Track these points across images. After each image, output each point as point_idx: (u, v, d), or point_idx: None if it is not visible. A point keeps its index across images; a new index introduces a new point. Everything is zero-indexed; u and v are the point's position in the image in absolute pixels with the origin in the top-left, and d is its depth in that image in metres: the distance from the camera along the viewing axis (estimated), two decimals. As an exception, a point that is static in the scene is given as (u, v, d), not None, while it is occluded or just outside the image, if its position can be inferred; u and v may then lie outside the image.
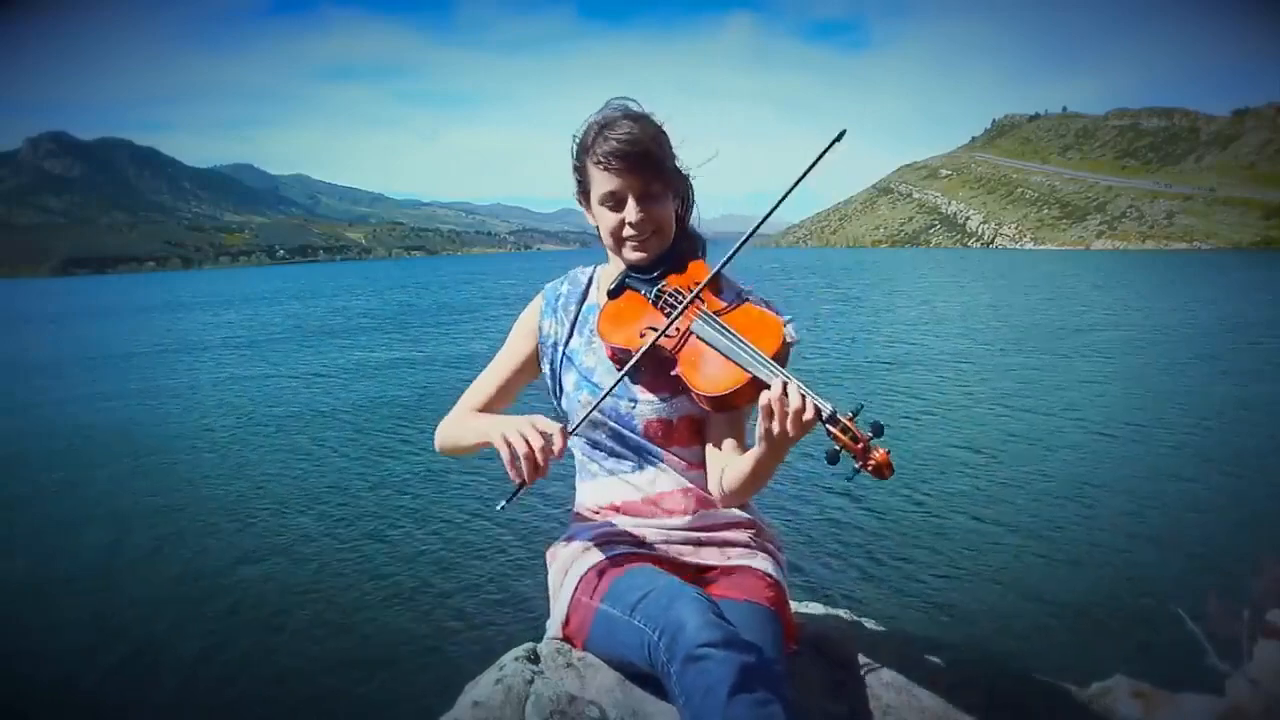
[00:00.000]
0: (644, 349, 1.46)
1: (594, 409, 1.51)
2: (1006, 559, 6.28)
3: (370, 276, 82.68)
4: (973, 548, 6.49)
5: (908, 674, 1.68)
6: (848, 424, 1.26)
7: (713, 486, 1.56)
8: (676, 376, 1.49)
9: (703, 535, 1.59)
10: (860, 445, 1.25)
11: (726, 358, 1.41)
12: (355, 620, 5.59)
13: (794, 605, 1.80)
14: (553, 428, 1.40)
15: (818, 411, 1.28)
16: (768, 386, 1.33)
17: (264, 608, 5.84)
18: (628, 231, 1.54)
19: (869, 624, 1.96)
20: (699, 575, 1.56)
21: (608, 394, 1.50)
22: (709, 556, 1.58)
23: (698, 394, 1.44)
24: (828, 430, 1.28)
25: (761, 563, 1.59)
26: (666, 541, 1.58)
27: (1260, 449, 9.17)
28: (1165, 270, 52.88)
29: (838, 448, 1.27)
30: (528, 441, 1.37)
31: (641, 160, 1.48)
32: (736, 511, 1.63)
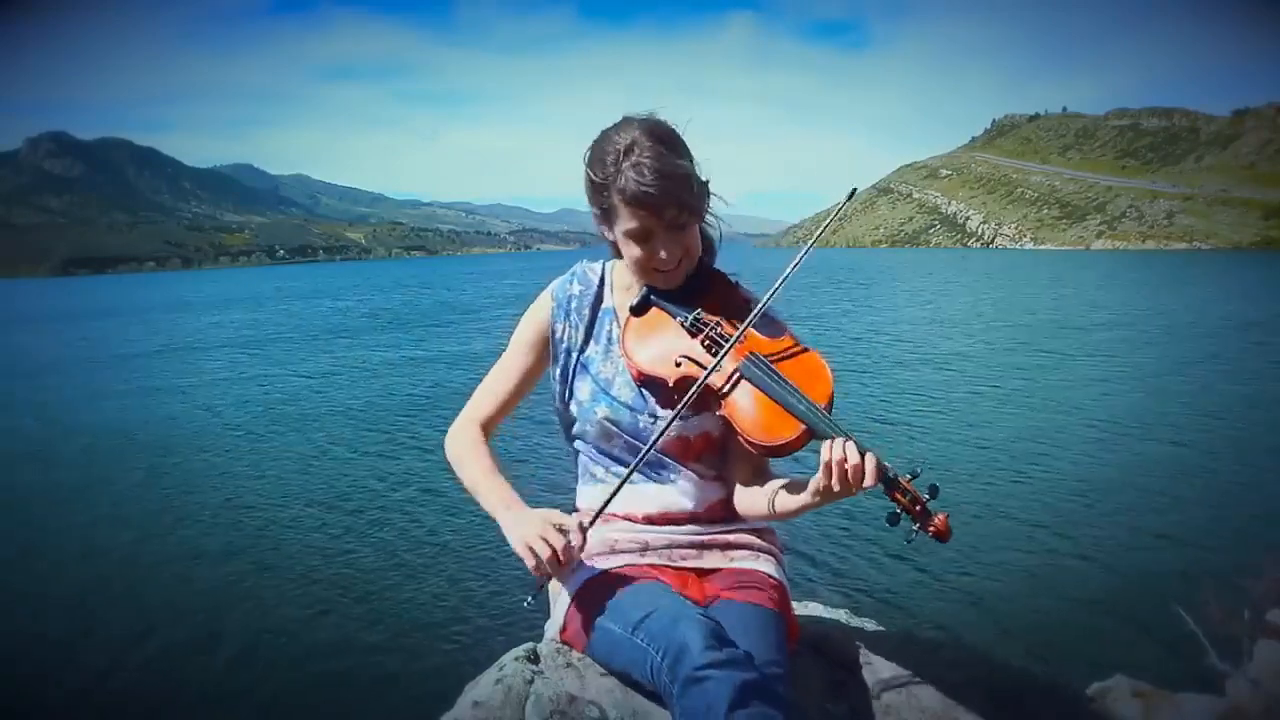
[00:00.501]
0: (694, 391, 1.41)
1: (639, 462, 1.44)
2: (1006, 559, 6.28)
3: (372, 276, 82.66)
4: (973, 548, 6.48)
5: (908, 674, 1.68)
6: (907, 487, 1.26)
7: (745, 505, 1.55)
8: (713, 405, 1.46)
9: (705, 539, 1.58)
10: (919, 508, 1.25)
11: (778, 404, 1.38)
12: (355, 620, 5.59)
13: (795, 606, 1.81)
14: (570, 524, 1.39)
15: (880, 475, 1.27)
16: (822, 436, 1.32)
17: (264, 607, 5.84)
18: (658, 264, 1.48)
19: (869, 624, 1.96)
20: (702, 579, 1.55)
21: (658, 439, 1.44)
22: (712, 559, 1.57)
23: (747, 440, 1.40)
24: (887, 492, 1.27)
25: (764, 564, 1.58)
26: (669, 546, 1.56)
27: (1262, 449, 9.17)
28: (1166, 270, 52.88)
29: (898, 510, 1.26)
30: (550, 544, 1.35)
31: (674, 198, 1.41)
32: (739, 517, 1.62)
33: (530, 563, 1.36)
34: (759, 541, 1.62)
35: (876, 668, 1.70)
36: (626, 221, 1.44)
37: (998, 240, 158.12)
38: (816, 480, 1.33)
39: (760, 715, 1.20)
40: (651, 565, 1.54)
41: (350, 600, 5.90)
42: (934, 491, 1.26)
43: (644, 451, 1.43)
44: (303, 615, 5.70)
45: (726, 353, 1.41)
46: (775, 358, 1.44)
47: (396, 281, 65.50)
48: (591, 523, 1.45)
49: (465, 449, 1.61)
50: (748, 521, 1.60)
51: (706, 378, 1.41)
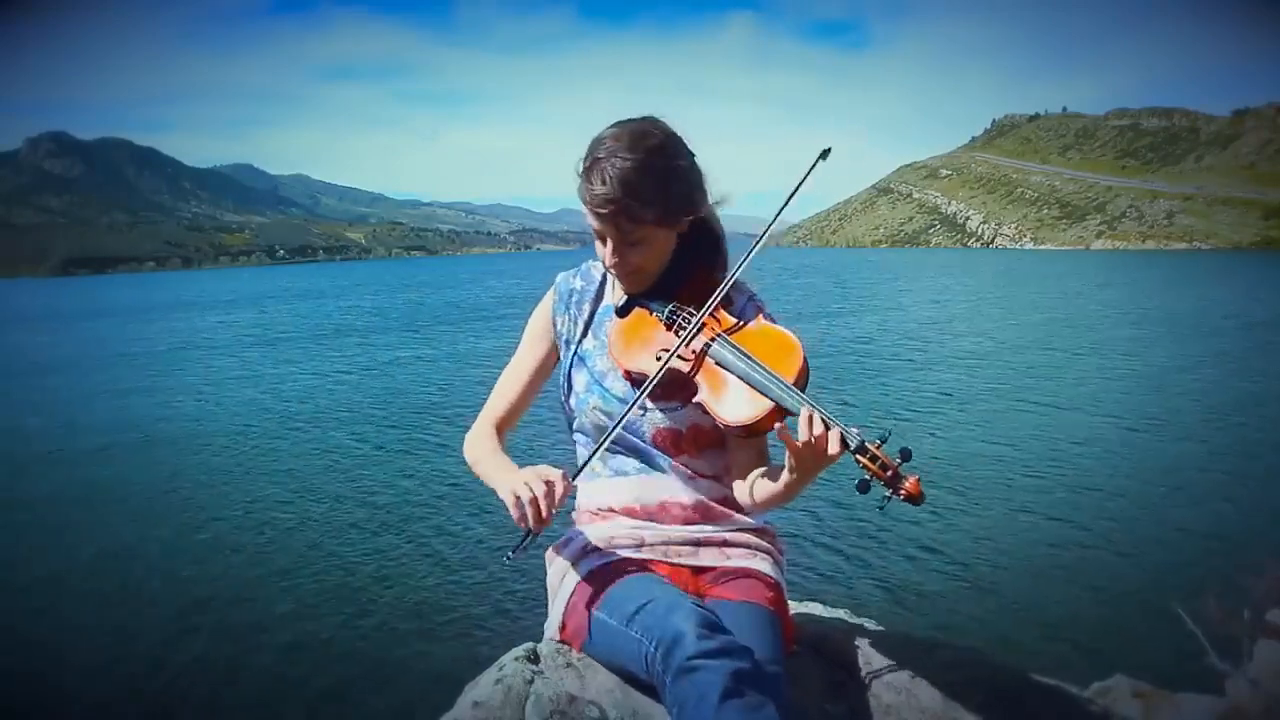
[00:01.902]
0: (655, 378, 1.45)
1: (608, 436, 1.50)
2: (1006, 559, 6.28)
3: (374, 276, 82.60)
4: (972, 548, 6.49)
5: (908, 674, 1.67)
6: (876, 452, 1.25)
7: (741, 497, 1.56)
8: (689, 389, 1.49)
9: (702, 537, 1.58)
10: (890, 473, 1.24)
11: (748, 384, 1.39)
12: (355, 620, 5.60)
13: (793, 606, 1.81)
14: (554, 475, 1.40)
15: (845, 443, 1.27)
16: (792, 412, 1.32)
17: (264, 606, 5.85)
18: (610, 266, 1.54)
19: (869, 624, 1.96)
20: (698, 576, 1.56)
21: (618, 424, 1.49)
22: (708, 558, 1.57)
23: (721, 422, 1.42)
24: (856, 459, 1.27)
25: (761, 564, 1.58)
26: (666, 543, 1.57)
27: (1266, 448, 9.17)
28: (1168, 270, 52.87)
29: (868, 476, 1.26)
30: (532, 491, 1.37)
31: (616, 215, 1.44)
32: (737, 514, 1.62)
33: (514, 508, 1.38)
34: (757, 540, 1.61)
35: (876, 668, 1.69)
36: (587, 218, 1.50)
37: (998, 240, 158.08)
38: (788, 456, 1.34)
39: (755, 705, 1.19)
40: (648, 560, 1.55)
41: (351, 600, 5.91)
42: (906, 455, 1.26)
43: (616, 424, 1.48)
44: (303, 614, 5.71)
45: (690, 335, 1.44)
46: (744, 337, 1.46)
47: (401, 281, 65.46)
48: (576, 475, 1.48)
49: (475, 443, 1.68)
50: (749, 514, 1.60)
51: (669, 360, 1.44)
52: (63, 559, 7.00)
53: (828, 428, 1.28)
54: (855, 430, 1.28)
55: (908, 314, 25.69)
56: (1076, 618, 5.34)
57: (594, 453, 1.51)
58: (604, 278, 1.70)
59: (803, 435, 1.28)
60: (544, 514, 1.37)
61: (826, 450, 1.27)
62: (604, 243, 1.51)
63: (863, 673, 1.69)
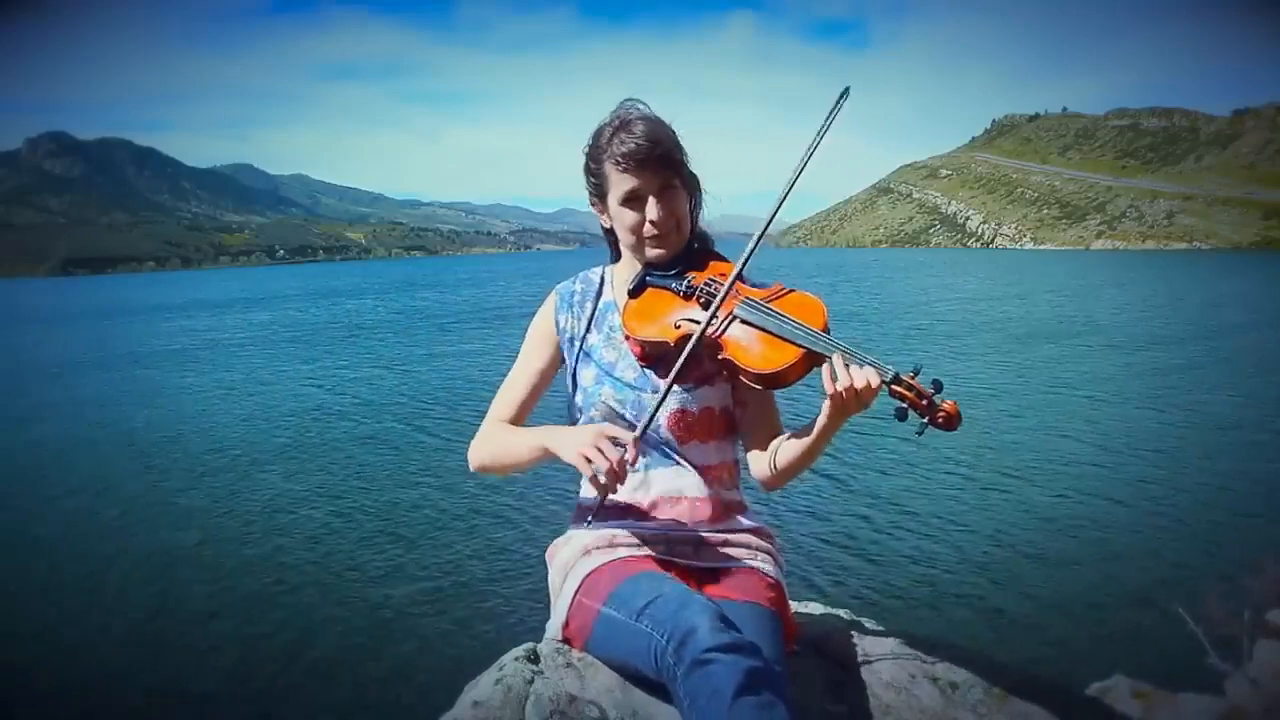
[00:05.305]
0: (698, 336, 1.46)
1: (656, 409, 1.47)
2: (1007, 559, 6.28)
3: (375, 276, 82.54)
4: (973, 548, 6.48)
5: (908, 674, 1.68)
6: (911, 382, 1.32)
7: (758, 467, 1.58)
8: (703, 367, 1.54)
9: (703, 535, 1.59)
10: (925, 401, 1.30)
11: (777, 336, 1.44)
12: (355, 620, 5.60)
13: (794, 605, 1.80)
14: (625, 436, 1.42)
15: (881, 376, 1.33)
16: (821, 360, 1.38)
17: (264, 607, 5.84)
18: (649, 230, 1.55)
19: (869, 624, 1.96)
20: (698, 575, 1.56)
21: (668, 392, 1.47)
22: (708, 557, 1.58)
23: (750, 372, 1.45)
24: (892, 390, 1.33)
25: (761, 563, 1.59)
26: (667, 542, 1.57)
27: (1263, 448, 9.17)
28: (1168, 270, 52.86)
29: (905, 405, 1.32)
30: (606, 455, 1.38)
31: (661, 158, 1.51)
32: (738, 514, 1.64)
33: (587, 471, 1.39)
34: (757, 541, 1.62)
35: (876, 668, 1.70)
36: (619, 186, 1.54)
37: (998, 240, 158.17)
38: (825, 402, 1.37)
39: (766, 704, 1.20)
40: (649, 558, 1.55)
41: (351, 600, 5.91)
42: (938, 386, 1.31)
43: (667, 388, 1.45)
44: (303, 614, 5.70)
45: (723, 299, 1.48)
46: (768, 299, 1.51)
47: (409, 280, 65.37)
48: (642, 431, 1.46)
49: (488, 438, 1.67)
50: (766, 490, 1.61)
51: (706, 324, 1.46)
52: (87, 556, 7.00)
53: (861, 365, 1.34)
54: (889, 365, 1.35)
55: (920, 311, 25.68)
56: (1077, 617, 5.33)
57: (660, 402, 1.47)
58: (603, 278, 1.73)
59: (842, 370, 1.33)
60: (622, 477, 1.39)
61: (867, 385, 1.32)
62: (639, 206, 1.54)
63: (863, 673, 1.69)
